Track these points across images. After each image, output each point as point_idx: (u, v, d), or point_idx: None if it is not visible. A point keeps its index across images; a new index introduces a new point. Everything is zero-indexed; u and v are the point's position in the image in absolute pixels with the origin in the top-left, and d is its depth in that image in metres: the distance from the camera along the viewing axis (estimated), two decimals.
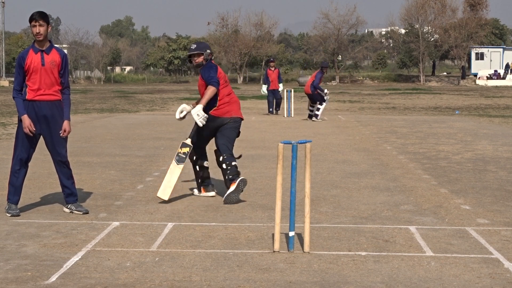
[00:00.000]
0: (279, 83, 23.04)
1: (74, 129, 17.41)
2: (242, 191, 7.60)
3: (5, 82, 65.96)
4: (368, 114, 23.87)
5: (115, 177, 9.31)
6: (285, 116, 22.25)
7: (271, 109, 23.17)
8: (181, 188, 8.43)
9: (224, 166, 7.69)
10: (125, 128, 17.47)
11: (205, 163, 8.04)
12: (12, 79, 68.51)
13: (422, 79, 70.10)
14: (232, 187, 7.53)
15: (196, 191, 8.08)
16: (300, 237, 5.86)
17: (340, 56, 78.36)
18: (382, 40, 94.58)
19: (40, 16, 6.71)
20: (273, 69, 23.28)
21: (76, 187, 8.48)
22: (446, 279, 4.84)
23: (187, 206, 7.37)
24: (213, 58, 8.12)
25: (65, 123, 6.84)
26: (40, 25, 6.67)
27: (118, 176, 9.44)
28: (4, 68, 73.78)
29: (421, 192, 8.28)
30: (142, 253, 5.48)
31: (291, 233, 5.56)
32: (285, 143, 5.47)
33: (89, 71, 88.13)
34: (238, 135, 8.01)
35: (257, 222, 6.61)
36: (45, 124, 6.81)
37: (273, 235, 5.71)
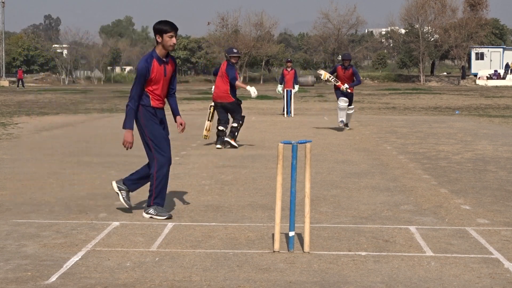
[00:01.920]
0: (295, 84, 22.84)
1: (74, 129, 17.45)
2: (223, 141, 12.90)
3: (5, 82, 65.94)
4: (368, 114, 23.87)
5: (115, 177, 9.29)
6: (285, 116, 22.24)
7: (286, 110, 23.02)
8: (181, 189, 8.44)
9: (235, 125, 12.89)
10: None
11: (220, 127, 12.83)
12: (12, 79, 68.72)
13: (422, 79, 70.12)
14: (233, 142, 12.85)
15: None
16: (300, 237, 5.86)
17: (340, 56, 78.34)
18: (382, 40, 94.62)
19: (176, 28, 6.69)
20: (289, 69, 23.05)
21: (76, 187, 8.52)
22: (446, 279, 4.84)
23: (187, 206, 7.37)
24: (227, 58, 12.99)
25: (179, 118, 7.04)
26: (175, 37, 6.70)
27: (118, 176, 9.42)
28: (4, 68, 73.74)
29: (421, 192, 8.28)
30: (142, 253, 5.48)
31: (291, 233, 5.56)
32: (285, 143, 5.47)
33: (89, 71, 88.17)
34: (240, 102, 12.96)
35: (257, 222, 6.61)
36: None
37: (273, 235, 5.71)
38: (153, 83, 6.72)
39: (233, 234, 6.12)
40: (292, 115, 22.40)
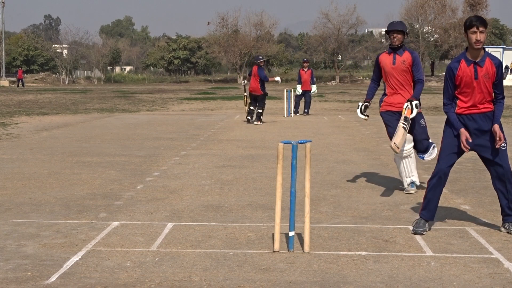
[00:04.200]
0: (312, 85, 22.87)
1: (74, 129, 17.46)
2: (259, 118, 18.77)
3: (5, 82, 65.91)
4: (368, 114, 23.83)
5: (115, 177, 9.31)
6: (285, 116, 22.24)
7: (296, 110, 23.02)
8: (181, 189, 8.44)
9: (260, 110, 19.23)
10: (125, 128, 17.47)
11: (251, 107, 19.32)
12: (12, 79, 68.75)
13: None
14: (259, 123, 18.83)
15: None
16: (300, 237, 5.86)
17: (340, 56, 78.39)
18: (382, 40, 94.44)
19: (481, 22, 5.94)
20: (306, 69, 23.06)
21: (76, 187, 8.51)
22: (446, 279, 4.84)
23: (187, 206, 7.37)
24: (257, 64, 19.44)
25: (495, 126, 6.05)
26: (480, 32, 5.92)
27: (118, 176, 9.44)
28: (4, 68, 73.74)
29: (421, 192, 8.27)
30: (142, 253, 5.48)
31: (291, 233, 5.56)
32: (285, 143, 5.48)
33: (89, 71, 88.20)
34: (266, 94, 19.70)
35: (257, 222, 6.61)
36: (478, 138, 6.17)
37: (273, 235, 5.71)
38: (461, 86, 6.08)
39: (233, 234, 6.12)
40: (292, 115, 22.40)
